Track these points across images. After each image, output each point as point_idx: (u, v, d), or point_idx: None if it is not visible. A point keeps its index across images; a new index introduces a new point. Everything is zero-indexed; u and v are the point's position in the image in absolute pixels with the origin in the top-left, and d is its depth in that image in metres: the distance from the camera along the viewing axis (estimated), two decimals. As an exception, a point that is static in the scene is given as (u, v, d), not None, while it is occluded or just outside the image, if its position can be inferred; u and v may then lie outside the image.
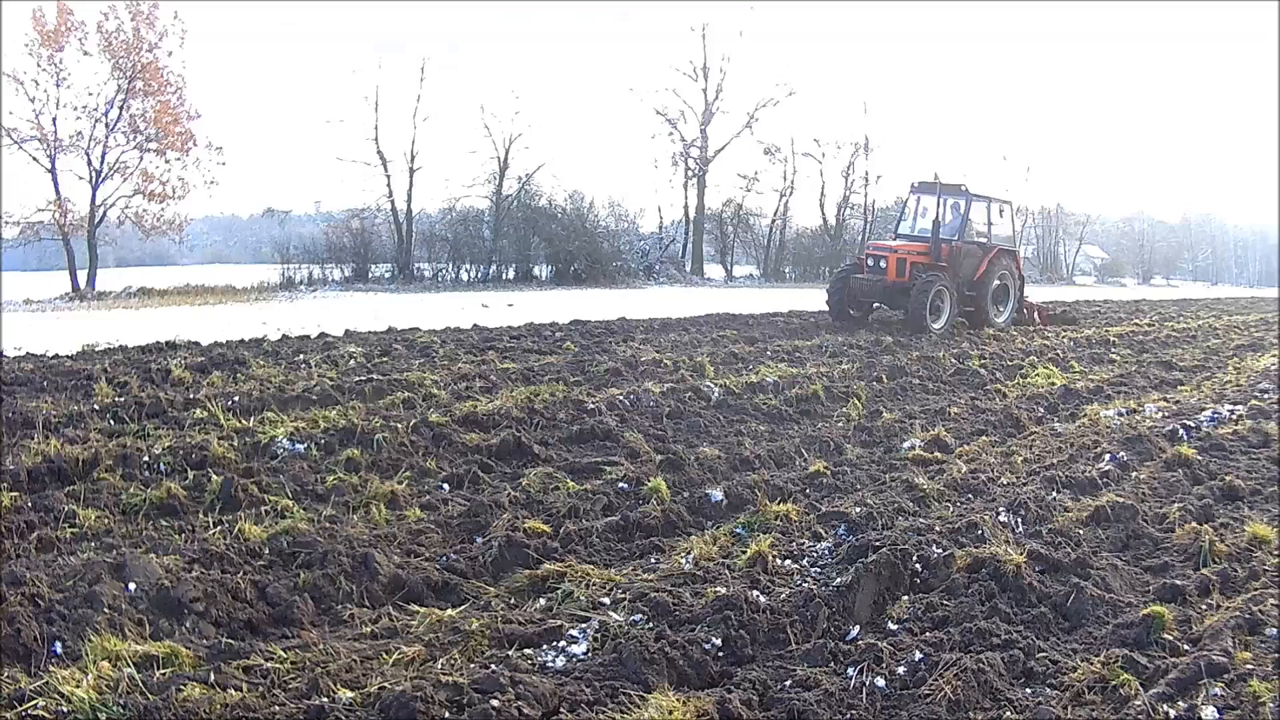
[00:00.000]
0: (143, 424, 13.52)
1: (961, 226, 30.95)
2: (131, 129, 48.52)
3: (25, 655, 6.49)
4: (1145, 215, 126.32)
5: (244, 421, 13.38)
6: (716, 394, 15.42)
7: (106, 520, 9.43)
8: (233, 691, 5.87)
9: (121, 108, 47.88)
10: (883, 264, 30.34)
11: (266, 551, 8.34)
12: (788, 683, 5.91)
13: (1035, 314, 34.03)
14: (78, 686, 5.78)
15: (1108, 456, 11.62)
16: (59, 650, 6.57)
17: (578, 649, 6.48)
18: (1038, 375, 18.91)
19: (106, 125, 47.81)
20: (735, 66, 77.84)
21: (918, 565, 7.68)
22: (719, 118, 70.13)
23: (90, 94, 47.65)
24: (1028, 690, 6.03)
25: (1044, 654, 6.46)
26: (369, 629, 7.09)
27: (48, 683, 5.88)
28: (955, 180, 31.64)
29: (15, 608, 6.83)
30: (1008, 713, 5.68)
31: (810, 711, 5.52)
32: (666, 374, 18.01)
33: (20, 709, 5.64)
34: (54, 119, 46.94)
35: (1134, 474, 11.08)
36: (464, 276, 58.36)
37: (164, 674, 6.13)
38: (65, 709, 5.62)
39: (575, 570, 7.92)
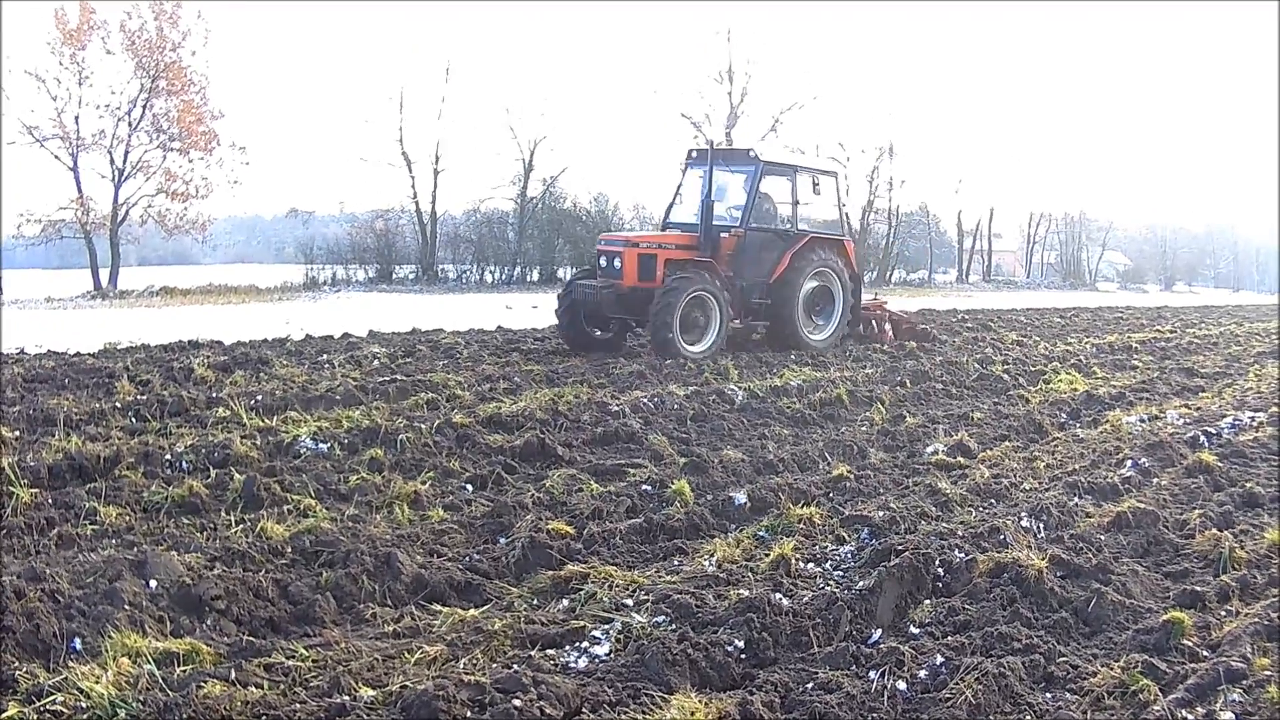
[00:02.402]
0: (165, 422, 13.57)
1: (748, 207, 23.25)
2: (155, 128, 48.71)
3: (44, 651, 6.50)
4: (1167, 224, 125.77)
5: (267, 421, 13.43)
6: (740, 397, 15.41)
7: (127, 518, 9.45)
8: (253, 689, 5.86)
9: (145, 107, 48.07)
10: (617, 263, 22.43)
11: (289, 550, 8.33)
12: (810, 685, 5.89)
13: (886, 325, 27.27)
14: (97, 683, 5.78)
15: (1129, 463, 11.57)
16: (78, 647, 6.58)
17: (600, 650, 6.47)
18: (1060, 381, 18.82)
19: (129, 124, 48.01)
20: (760, 70, 77.68)
21: (940, 569, 7.66)
22: (744, 121, 70.00)
23: (113, 93, 47.85)
24: (1048, 695, 6.00)
25: (1064, 659, 6.42)
26: (391, 628, 7.09)
27: (67, 679, 5.89)
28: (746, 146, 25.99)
29: (34, 604, 6.83)
30: (1028, 717, 5.67)
31: (832, 714, 5.51)
32: (690, 377, 18.02)
33: (39, 704, 5.65)
34: (76, 117, 47.15)
35: (1155, 480, 11.03)
36: (488, 278, 58.40)
37: (184, 671, 6.14)
38: (84, 705, 5.62)
39: (598, 571, 7.90)
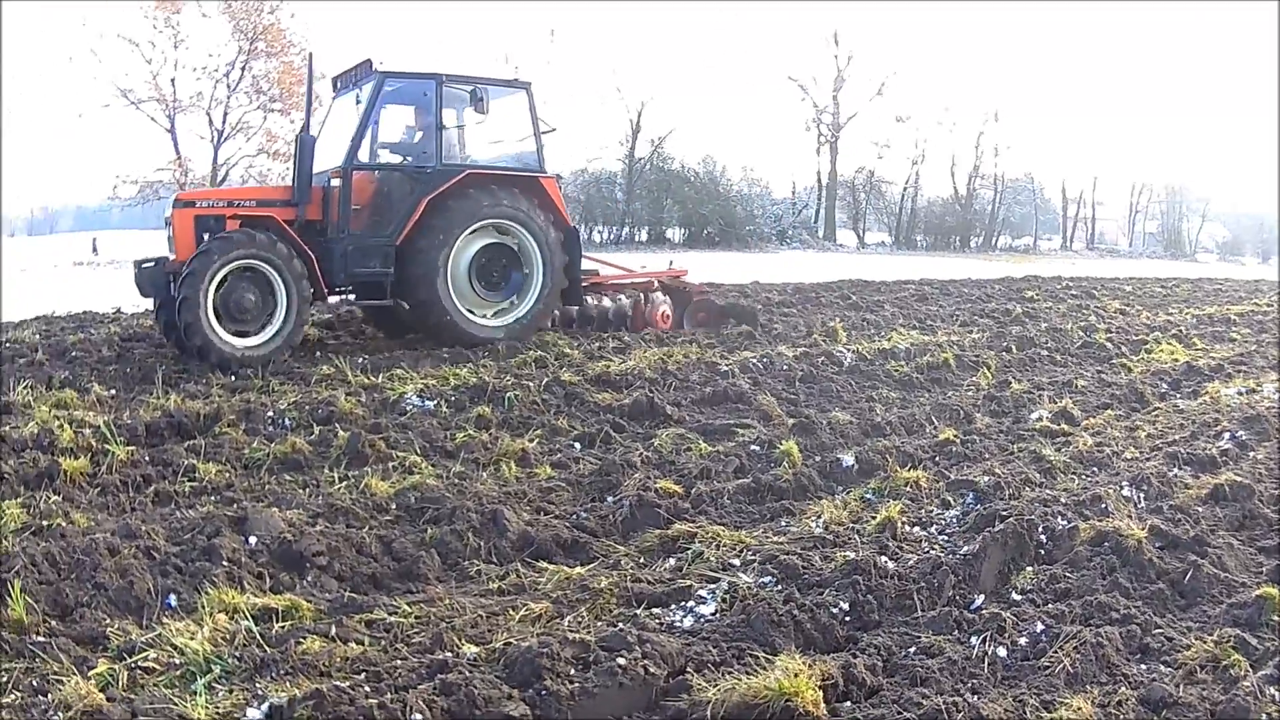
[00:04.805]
0: (267, 380, 13.64)
1: (356, 139, 16.55)
2: (254, 89, 49.26)
3: (137, 608, 6.44)
4: (1266, 197, 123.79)
5: (372, 378, 13.44)
6: (849, 359, 15.19)
7: (227, 474, 9.45)
8: (354, 645, 5.83)
9: (243, 69, 48.51)
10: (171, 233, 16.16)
11: (393, 507, 8.27)
12: (912, 649, 5.74)
13: (663, 304, 20.07)
14: (191, 639, 5.72)
15: (1227, 435, 11.20)
16: (173, 603, 6.52)
17: (706, 609, 6.36)
18: (1162, 351, 18.30)
19: (228, 86, 48.42)
20: (867, 34, 77.14)
21: (1043, 536, 7.46)
22: (850, 84, 69.61)
23: (210, 55, 48.23)
24: (1143, 666, 5.76)
25: (1160, 630, 6.16)
26: (496, 585, 6.98)
27: (160, 635, 5.83)
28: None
29: (129, 560, 6.78)
30: (1123, 688, 5.41)
31: (933, 679, 5.33)
32: (800, 338, 17.78)
33: (129, 661, 5.56)
34: (172, 80, 47.52)
35: (1252, 454, 10.64)
36: (596, 238, 58.40)
37: (283, 627, 6.08)
38: (177, 661, 5.56)
39: (706, 531, 7.77)
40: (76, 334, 17.82)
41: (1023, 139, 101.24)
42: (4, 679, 5.42)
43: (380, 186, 17.23)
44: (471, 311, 17.02)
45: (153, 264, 16.14)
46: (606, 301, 19.65)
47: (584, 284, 18.76)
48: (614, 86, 71.00)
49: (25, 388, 12.91)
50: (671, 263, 22.95)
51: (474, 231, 16.93)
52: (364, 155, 16.97)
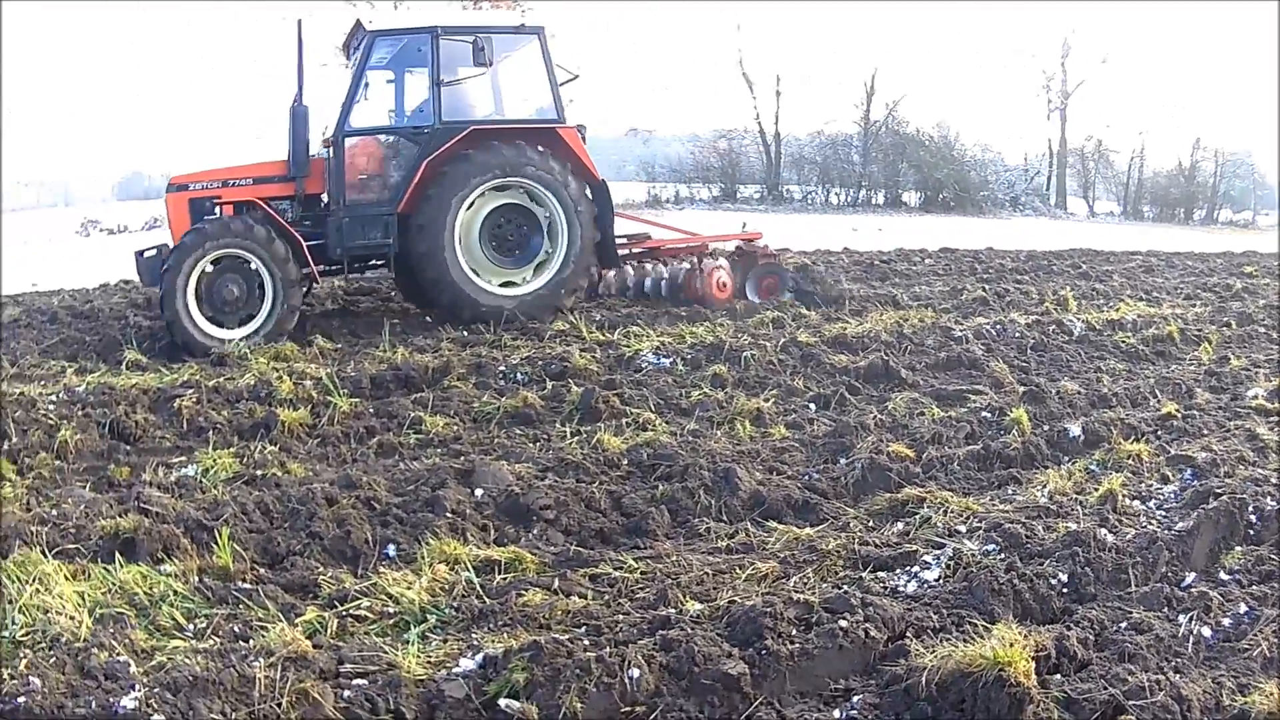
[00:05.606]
0: (499, 335, 13.79)
1: (347, 104, 15.42)
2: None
3: (353, 558, 6.54)
4: None
5: (608, 335, 13.50)
6: (1078, 329, 14.80)
7: (455, 427, 9.57)
8: (576, 599, 5.82)
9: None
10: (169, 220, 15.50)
11: (625, 463, 8.28)
12: (1123, 625, 5.58)
13: (719, 270, 16.88)
14: (409, 588, 5.78)
15: None
16: (392, 553, 6.61)
17: (930, 575, 6.26)
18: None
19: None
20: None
21: (1253, 516, 7.17)
22: (1077, 52, 68.26)
23: (408, 9, 48.88)
24: None
25: None
26: (724, 543, 6.89)
27: (376, 584, 5.90)
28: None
29: (347, 510, 6.90)
30: None
31: (1140, 655, 5.15)
32: (1031, 305, 17.39)
33: (341, 609, 5.62)
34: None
35: None
36: (833, 200, 58.00)
37: (504, 579, 6.10)
38: (391, 610, 5.61)
39: (935, 496, 7.62)
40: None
41: (1238, 116, 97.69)
42: (204, 624, 5.49)
43: (376, 152, 16.13)
44: (491, 282, 15.40)
45: (154, 252, 15.13)
46: (649, 268, 17.82)
47: (635, 249, 17.89)
48: (847, 48, 70.38)
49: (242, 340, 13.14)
50: (745, 225, 20.01)
51: (483, 194, 15.36)
52: (359, 122, 15.78)
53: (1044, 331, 14.24)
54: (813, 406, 10.61)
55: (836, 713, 4.77)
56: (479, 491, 7.36)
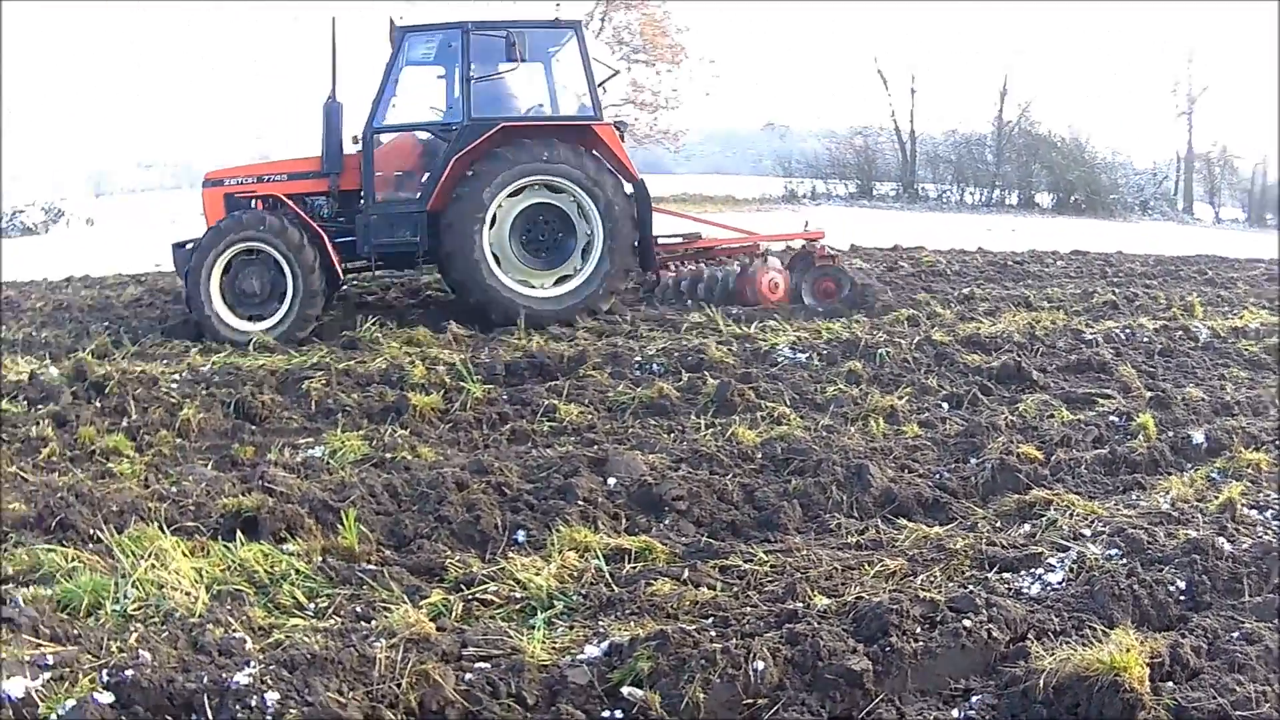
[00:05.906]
0: (635, 325, 13.88)
1: (380, 102, 15.26)
2: (615, 40, 49.81)
3: (481, 542, 6.60)
4: None
5: (744, 329, 13.51)
6: (1204, 335, 14.60)
7: (590, 416, 9.63)
8: (705, 590, 5.81)
9: (603, 19, 49.16)
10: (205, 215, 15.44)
11: (758, 456, 8.28)
12: (1235, 634, 5.46)
13: (771, 271, 16.27)
14: (537, 574, 5.82)
15: None
16: (521, 539, 6.66)
17: (1054, 577, 6.21)
18: None
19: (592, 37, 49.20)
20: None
21: None
22: (1202, 56, 67.10)
23: (557, 6, 49.01)
24: None
25: None
26: (854, 540, 6.88)
27: (503, 569, 5.94)
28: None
29: (477, 495, 6.96)
30: None
31: (1249, 666, 5.08)
32: (1159, 310, 17.16)
33: (467, 592, 5.68)
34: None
35: None
36: (968, 199, 57.62)
37: (633, 568, 6.13)
38: (518, 595, 5.66)
39: (1062, 499, 7.57)
40: (431, 273, 18.06)
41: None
42: (325, 604, 5.59)
43: (405, 149, 16.04)
44: (526, 284, 14.95)
45: (193, 245, 14.73)
46: (689, 269, 16.94)
47: (685, 248, 17.44)
48: (984, 47, 69.77)
49: (373, 324, 13.24)
50: (807, 224, 18.71)
51: (515, 193, 14.93)
52: (391, 119, 15.52)
53: (1171, 337, 14.08)
54: (945, 405, 10.57)
55: (955, 712, 4.77)
56: (612, 480, 7.40)
